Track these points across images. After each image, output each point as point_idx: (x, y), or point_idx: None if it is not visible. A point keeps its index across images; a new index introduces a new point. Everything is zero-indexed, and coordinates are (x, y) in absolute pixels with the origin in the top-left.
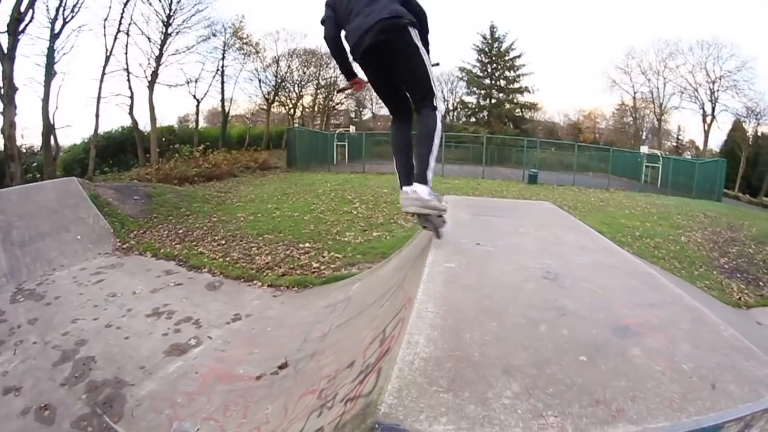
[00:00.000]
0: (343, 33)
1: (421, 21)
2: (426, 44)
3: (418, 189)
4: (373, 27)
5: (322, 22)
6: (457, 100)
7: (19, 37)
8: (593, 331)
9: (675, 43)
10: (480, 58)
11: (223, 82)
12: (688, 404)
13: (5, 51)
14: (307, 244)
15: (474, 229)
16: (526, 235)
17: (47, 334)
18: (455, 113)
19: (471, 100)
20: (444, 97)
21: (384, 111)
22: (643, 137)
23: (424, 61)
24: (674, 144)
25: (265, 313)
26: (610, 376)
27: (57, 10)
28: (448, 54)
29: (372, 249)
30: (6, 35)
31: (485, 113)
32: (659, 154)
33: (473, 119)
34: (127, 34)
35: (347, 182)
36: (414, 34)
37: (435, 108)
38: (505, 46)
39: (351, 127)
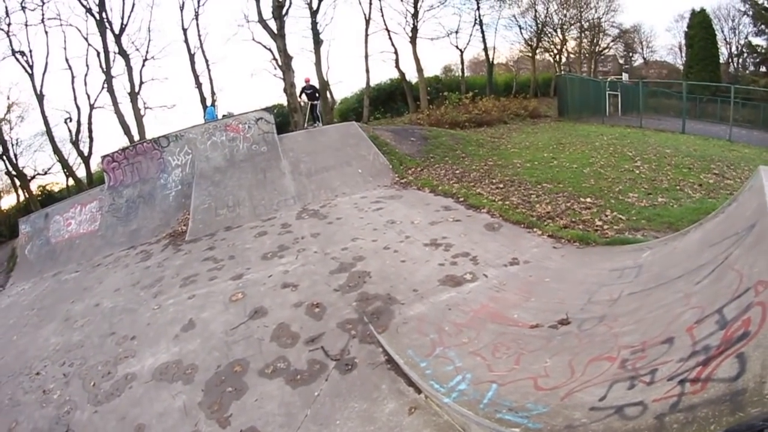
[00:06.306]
0: None
1: None
2: None
3: None
4: None
5: None
6: (742, 42)
7: (284, 19)
8: None
9: None
10: None
11: (482, 31)
12: None
13: (276, 31)
14: (588, 199)
15: None
16: None
17: (327, 247)
18: (740, 60)
19: (760, 42)
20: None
21: (656, 56)
22: None
23: None
24: None
25: (544, 262)
26: None
27: None
28: None
29: (658, 216)
30: (273, 20)
31: None
32: None
33: (764, 68)
34: None
35: (624, 137)
36: None
37: None
38: None
39: (623, 74)
